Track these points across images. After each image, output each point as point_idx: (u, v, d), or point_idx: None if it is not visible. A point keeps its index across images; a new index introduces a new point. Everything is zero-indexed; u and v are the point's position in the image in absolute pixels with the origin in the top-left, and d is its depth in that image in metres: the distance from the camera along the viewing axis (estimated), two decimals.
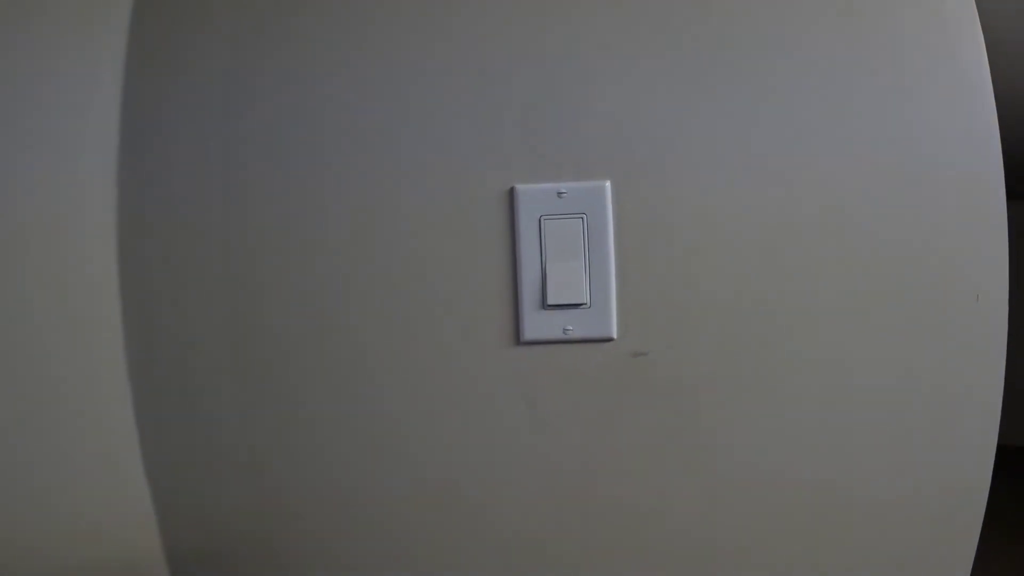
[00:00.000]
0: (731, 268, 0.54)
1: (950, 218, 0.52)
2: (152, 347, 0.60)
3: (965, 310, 0.53)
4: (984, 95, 0.52)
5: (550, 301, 0.55)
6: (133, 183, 0.59)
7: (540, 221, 0.55)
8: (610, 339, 0.55)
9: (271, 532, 0.60)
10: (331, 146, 0.57)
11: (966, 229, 0.52)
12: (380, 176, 0.57)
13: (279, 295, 0.58)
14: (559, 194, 0.55)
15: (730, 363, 0.55)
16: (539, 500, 0.57)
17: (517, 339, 0.56)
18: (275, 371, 0.59)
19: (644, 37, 0.55)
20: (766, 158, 0.54)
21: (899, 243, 0.53)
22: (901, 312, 0.53)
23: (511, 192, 0.56)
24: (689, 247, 0.55)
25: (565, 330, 0.55)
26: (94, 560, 0.59)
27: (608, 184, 0.55)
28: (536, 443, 0.57)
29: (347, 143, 0.57)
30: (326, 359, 0.58)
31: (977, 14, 0.53)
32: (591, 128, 0.55)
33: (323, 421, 0.59)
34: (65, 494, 0.58)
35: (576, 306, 0.55)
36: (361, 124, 0.57)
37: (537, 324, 0.56)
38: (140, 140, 0.59)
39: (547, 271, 0.55)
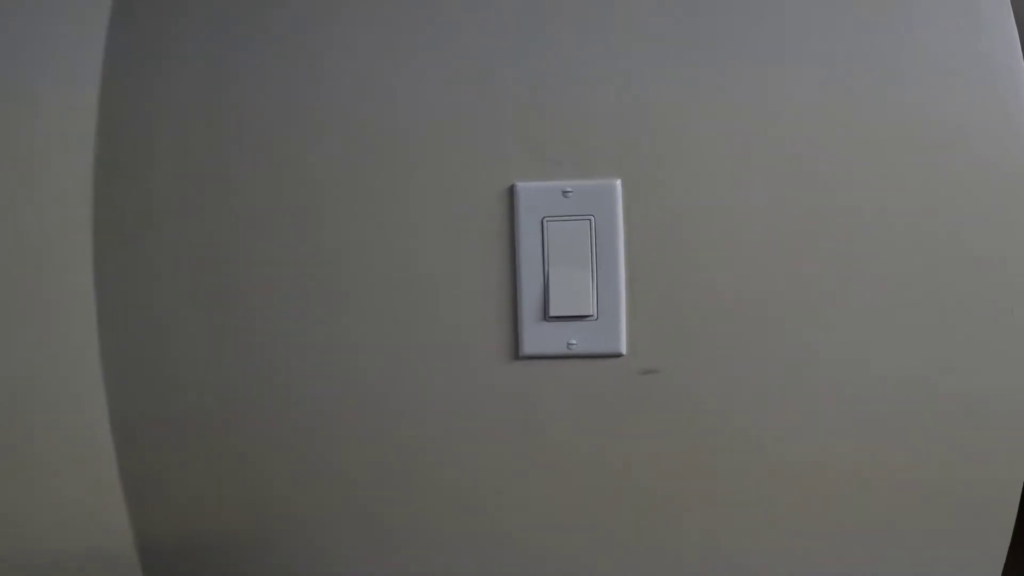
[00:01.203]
0: (755, 277, 0.49)
1: (985, 215, 0.48)
2: (127, 331, 0.53)
3: (1000, 310, 0.49)
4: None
5: (553, 312, 0.49)
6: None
7: (543, 223, 0.50)
8: (619, 355, 0.50)
9: (250, 525, 0.54)
10: (317, 142, 0.52)
11: (1002, 226, 0.48)
12: (367, 171, 0.51)
13: (263, 287, 0.52)
14: (564, 193, 0.50)
15: (752, 384, 0.50)
16: (537, 531, 0.52)
17: (515, 353, 0.51)
18: (257, 362, 0.53)
19: (660, 20, 0.50)
20: (795, 155, 0.49)
21: (935, 245, 0.48)
22: (933, 317, 0.48)
23: (511, 191, 0.50)
24: (708, 253, 0.49)
25: (569, 344, 0.50)
26: (62, 551, 0.52)
27: (619, 183, 0.50)
28: (534, 468, 0.51)
29: (337, 139, 0.51)
30: (309, 359, 0.52)
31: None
32: (600, 120, 0.50)
33: (304, 412, 0.53)
34: (34, 482, 0.52)
35: (581, 318, 0.50)
36: (348, 113, 0.51)
37: (538, 337, 0.50)
38: (120, 132, 0.53)
39: (550, 279, 0.50)
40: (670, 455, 0.50)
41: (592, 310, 0.49)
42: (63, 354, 0.53)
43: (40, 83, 0.52)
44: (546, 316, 0.50)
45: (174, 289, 0.53)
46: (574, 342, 0.50)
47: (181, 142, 0.52)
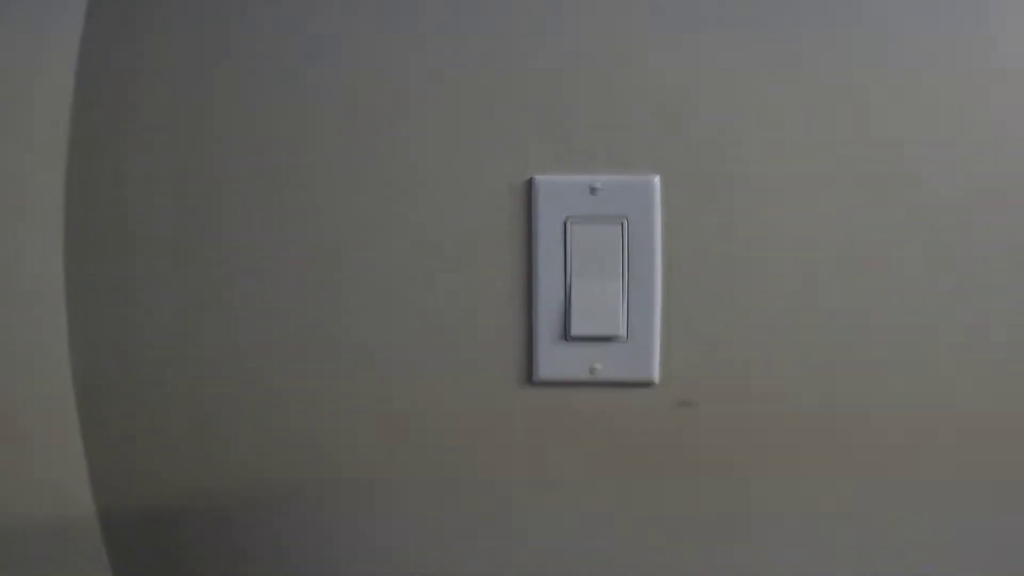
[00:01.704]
0: (819, 294, 0.41)
1: None
2: (94, 301, 0.46)
3: None
4: None
5: (575, 332, 0.42)
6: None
7: (566, 225, 0.42)
8: (650, 383, 0.42)
9: (215, 501, 0.47)
10: (310, 127, 0.44)
11: None
12: (361, 166, 0.43)
13: (244, 272, 0.45)
14: (592, 190, 0.42)
15: (812, 425, 0.42)
16: None
17: (528, 377, 0.43)
18: (230, 348, 0.46)
19: None
20: (887, 147, 0.40)
21: None
22: None
23: (529, 185, 0.43)
24: (765, 266, 0.41)
25: (592, 369, 0.42)
26: (23, 520, 0.47)
27: (657, 180, 0.42)
28: (545, 517, 0.44)
29: (329, 127, 0.44)
30: (290, 358, 0.45)
31: None
32: (637, 104, 0.42)
33: (276, 400, 0.46)
34: None
35: (608, 339, 0.42)
36: (340, 101, 0.43)
37: (555, 360, 0.42)
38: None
39: (572, 291, 0.42)
40: (705, 507, 0.43)
41: (622, 330, 0.42)
42: (29, 325, 0.46)
43: (10, 57, 0.45)
44: (566, 336, 0.42)
45: (146, 263, 0.45)
46: (598, 366, 0.42)
47: (164, 115, 0.45)
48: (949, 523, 0.42)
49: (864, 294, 0.41)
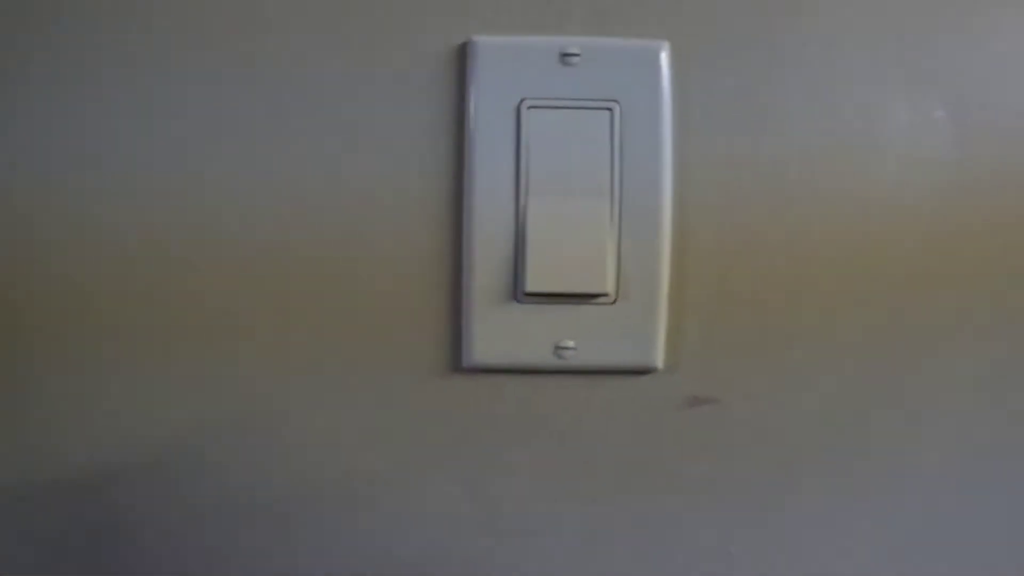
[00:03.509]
0: (906, 243, 0.27)
1: None
2: None
3: None
4: None
5: (531, 287, 0.25)
6: None
7: (519, 111, 0.26)
8: (651, 370, 0.27)
9: None
10: None
11: None
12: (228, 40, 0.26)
13: None
14: (564, 58, 0.26)
15: (879, 427, 0.27)
16: None
17: (456, 363, 0.27)
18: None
19: None
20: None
21: None
22: None
23: (463, 49, 0.26)
24: (812, 192, 0.26)
25: (559, 349, 0.26)
26: None
27: (666, 47, 0.26)
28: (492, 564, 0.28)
29: None
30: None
31: None
32: None
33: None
34: None
35: (587, 298, 0.26)
36: None
37: (500, 335, 0.26)
38: None
39: (527, 221, 0.26)
40: (732, 543, 0.27)
41: (608, 286, 0.26)
42: None
43: None
44: (518, 295, 0.26)
45: None
46: (570, 344, 0.26)
47: None
48: None
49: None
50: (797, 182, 0.27)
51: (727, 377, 0.27)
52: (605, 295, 0.26)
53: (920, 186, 0.27)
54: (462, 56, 0.26)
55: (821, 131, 0.27)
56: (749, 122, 0.27)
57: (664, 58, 0.26)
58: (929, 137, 0.27)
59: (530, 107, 0.26)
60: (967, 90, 0.27)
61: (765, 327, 0.27)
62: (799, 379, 0.27)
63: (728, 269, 0.27)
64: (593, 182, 0.26)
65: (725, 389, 0.27)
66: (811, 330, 0.27)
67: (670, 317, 0.26)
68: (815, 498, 0.28)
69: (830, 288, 0.27)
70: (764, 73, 0.27)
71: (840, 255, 0.27)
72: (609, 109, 0.26)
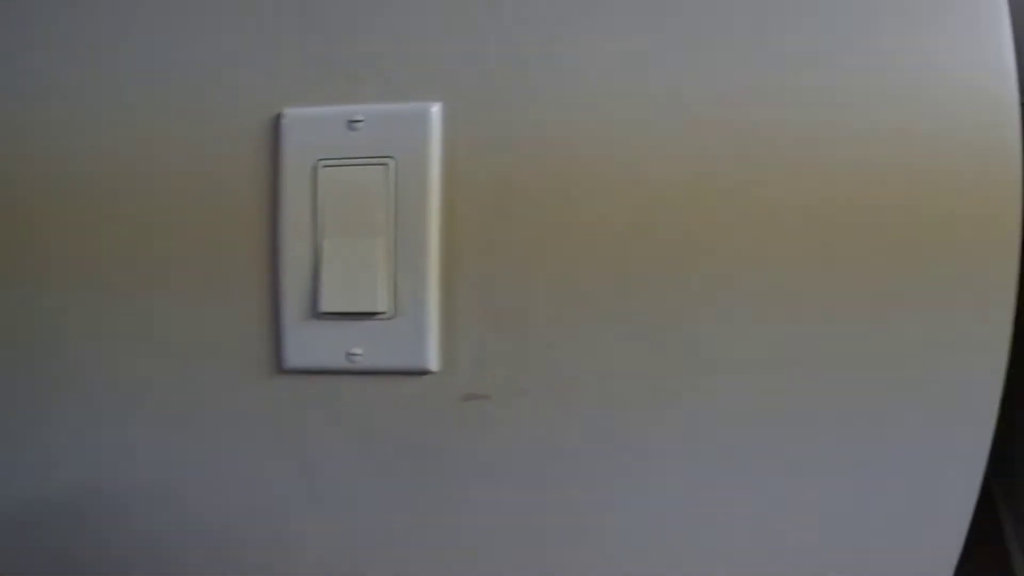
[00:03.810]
0: (646, 260, 0.32)
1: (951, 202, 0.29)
2: None
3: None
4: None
5: (324, 307, 0.32)
6: None
7: (316, 169, 0.33)
8: (426, 372, 0.33)
9: None
10: None
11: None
12: (77, 95, 0.35)
13: None
14: (352, 123, 0.33)
15: (631, 418, 0.32)
16: None
17: (278, 366, 0.34)
18: None
19: None
20: (706, 87, 0.31)
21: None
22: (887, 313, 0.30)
23: (277, 121, 0.33)
24: (570, 221, 0.32)
25: (350, 355, 0.33)
26: None
27: (437, 108, 0.32)
28: (306, 538, 0.35)
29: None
30: None
31: None
32: (415, 19, 0.32)
33: None
34: None
35: (369, 316, 0.33)
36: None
37: (307, 343, 0.33)
38: None
39: (323, 254, 0.33)
40: (498, 526, 0.33)
41: (385, 304, 0.32)
42: None
43: None
44: (316, 312, 0.33)
45: None
46: (358, 352, 0.33)
47: None
48: None
49: (697, 255, 0.31)
50: (553, 210, 0.32)
51: (496, 377, 0.33)
52: (383, 312, 0.32)
53: (655, 193, 0.32)
54: (278, 124, 0.33)
55: (569, 160, 0.32)
56: (516, 163, 0.32)
57: (435, 116, 0.32)
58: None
59: (324, 165, 0.33)
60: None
61: (527, 336, 0.33)
62: (560, 378, 0.33)
63: (494, 289, 0.32)
64: (372, 224, 0.32)
65: (495, 388, 0.33)
66: (571, 334, 0.32)
67: (443, 329, 0.33)
68: (576, 480, 0.33)
69: (585, 299, 0.32)
70: (522, 120, 0.32)
71: (587, 270, 0.32)
72: (385, 164, 0.32)
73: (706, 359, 0.32)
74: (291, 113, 0.33)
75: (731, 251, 0.31)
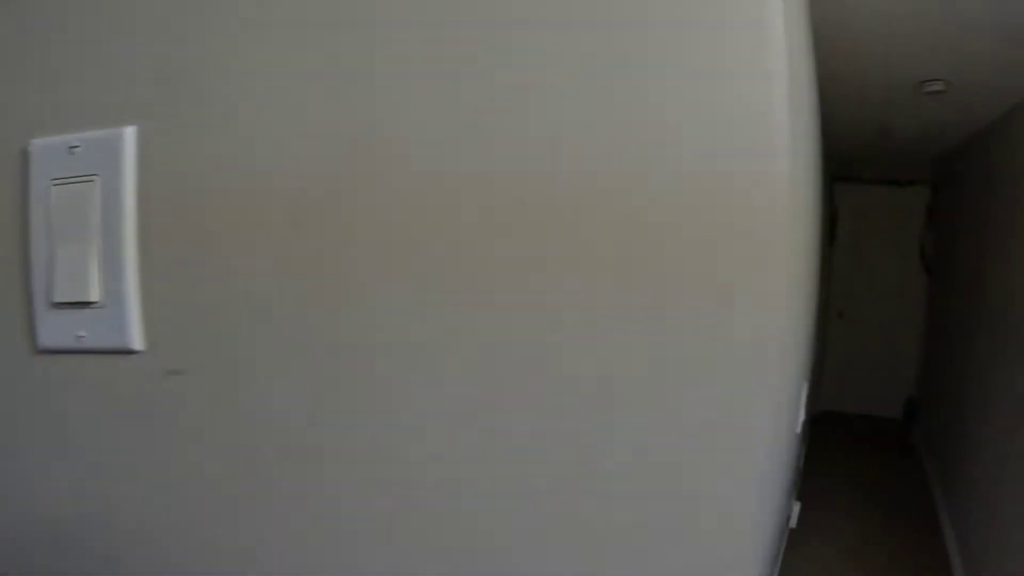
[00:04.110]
0: (320, 257, 0.37)
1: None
2: None
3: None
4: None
5: (56, 299, 0.40)
6: None
7: (49, 188, 0.40)
8: (132, 351, 0.40)
9: None
10: None
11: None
12: None
13: None
14: (71, 149, 0.40)
15: (306, 384, 0.37)
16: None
17: (35, 347, 0.42)
18: None
19: None
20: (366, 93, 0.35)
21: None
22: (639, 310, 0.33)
23: (27, 150, 0.41)
24: (258, 220, 0.37)
25: (78, 337, 0.41)
26: None
27: (131, 131, 0.39)
28: (64, 475, 0.43)
29: None
30: None
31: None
32: (122, 58, 0.39)
33: None
34: None
35: (86, 305, 0.40)
36: None
37: (50, 328, 0.41)
38: None
39: (55, 256, 0.40)
40: (196, 476, 0.40)
41: (97, 295, 0.40)
42: None
43: None
44: (52, 303, 0.41)
45: None
46: (83, 334, 0.40)
47: None
48: None
49: (358, 249, 0.36)
50: (225, 211, 0.38)
51: (192, 356, 0.39)
52: (96, 302, 0.40)
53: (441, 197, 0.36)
54: (26, 153, 0.41)
55: (237, 172, 0.38)
56: (202, 175, 0.38)
57: (129, 139, 0.39)
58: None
59: (54, 184, 0.40)
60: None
61: (212, 322, 0.39)
62: (236, 357, 0.38)
63: (184, 281, 0.39)
64: (83, 230, 0.39)
65: (191, 364, 0.39)
66: (246, 319, 0.38)
67: (145, 316, 0.39)
68: (264, 441, 0.39)
69: (253, 292, 0.38)
70: (200, 137, 0.38)
71: (255, 266, 0.37)
72: (92, 180, 0.39)
73: (348, 341, 0.36)
74: (35, 143, 0.41)
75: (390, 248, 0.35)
